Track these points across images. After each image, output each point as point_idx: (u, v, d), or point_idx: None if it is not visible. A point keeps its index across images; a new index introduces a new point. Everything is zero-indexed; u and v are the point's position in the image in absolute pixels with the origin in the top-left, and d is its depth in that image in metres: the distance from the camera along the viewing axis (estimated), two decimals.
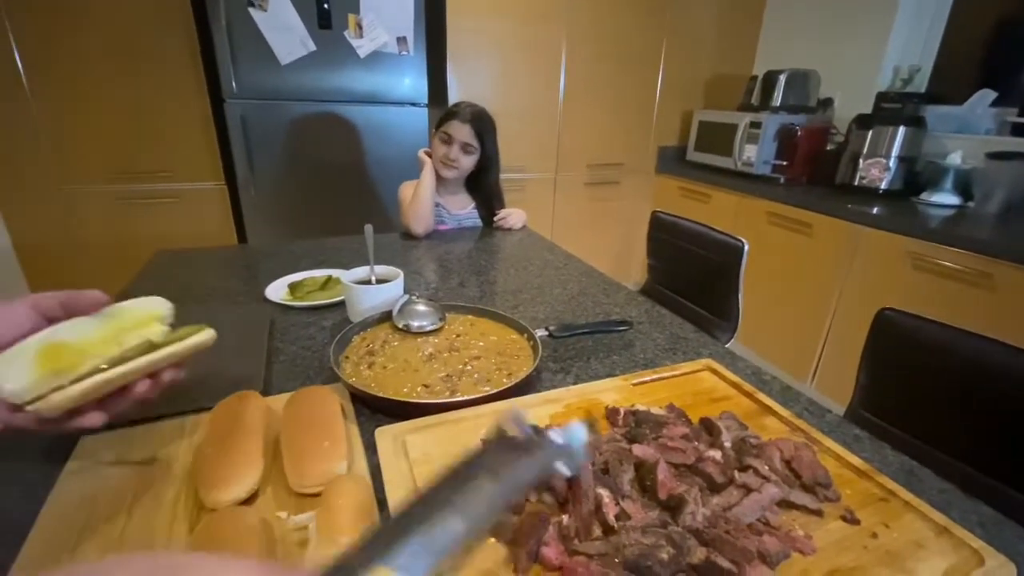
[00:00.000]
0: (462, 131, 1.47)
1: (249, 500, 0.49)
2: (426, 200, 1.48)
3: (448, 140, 1.49)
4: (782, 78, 2.42)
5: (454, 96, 2.36)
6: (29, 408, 0.41)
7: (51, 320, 0.47)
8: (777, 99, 2.44)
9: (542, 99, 2.56)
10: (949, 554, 0.44)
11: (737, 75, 2.87)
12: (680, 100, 2.85)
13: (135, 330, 0.48)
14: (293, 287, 1.01)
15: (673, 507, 0.45)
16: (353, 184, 2.23)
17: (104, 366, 0.44)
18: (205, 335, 0.53)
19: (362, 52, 2.05)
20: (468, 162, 1.53)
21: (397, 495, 0.48)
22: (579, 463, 0.40)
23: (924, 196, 2.05)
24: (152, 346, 0.48)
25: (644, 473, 0.49)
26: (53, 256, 2.05)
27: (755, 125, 2.38)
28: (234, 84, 1.95)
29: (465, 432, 0.58)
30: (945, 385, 0.87)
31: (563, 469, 0.37)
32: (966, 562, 0.43)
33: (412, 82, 2.17)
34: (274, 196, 2.15)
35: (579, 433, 0.39)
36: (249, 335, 0.83)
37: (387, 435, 0.56)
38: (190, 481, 0.51)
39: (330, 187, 2.21)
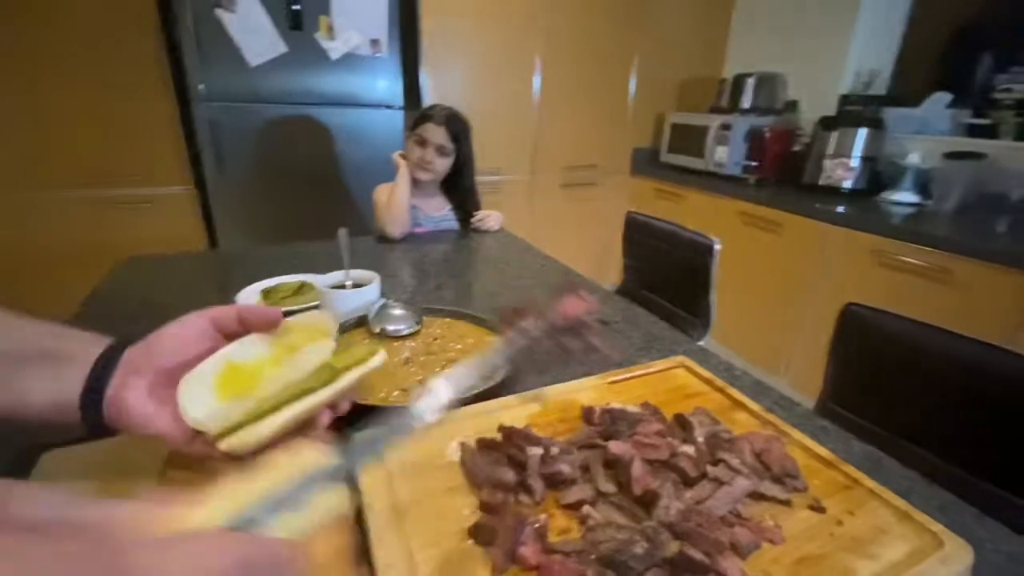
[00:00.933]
0: (437, 133, 1.47)
1: None
2: (402, 203, 1.48)
3: (423, 142, 1.48)
4: (750, 81, 2.49)
5: (429, 98, 2.36)
6: (221, 446, 0.38)
7: (229, 336, 0.44)
8: (746, 101, 2.50)
9: (517, 101, 2.57)
10: (911, 538, 0.46)
11: (708, 78, 2.93)
12: (653, 102, 2.89)
13: (305, 348, 0.44)
14: (266, 293, 0.99)
15: (648, 502, 0.46)
16: (327, 188, 2.21)
17: (293, 401, 0.40)
18: (379, 358, 0.47)
19: (334, 54, 2.03)
20: (443, 164, 1.53)
21: (374, 502, 0.47)
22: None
23: (886, 195, 2.13)
24: (333, 372, 0.43)
25: (619, 470, 0.50)
26: (15, 264, 1.97)
27: (725, 127, 2.44)
28: (202, 86, 1.90)
29: (442, 436, 0.58)
30: (908, 377, 0.91)
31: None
32: (926, 545, 0.45)
33: (386, 84, 2.16)
34: (246, 200, 2.11)
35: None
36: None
37: (363, 439, 0.55)
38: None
39: (304, 191, 2.18)
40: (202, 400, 0.39)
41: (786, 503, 0.49)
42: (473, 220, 1.62)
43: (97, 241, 2.03)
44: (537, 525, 0.44)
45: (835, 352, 1.06)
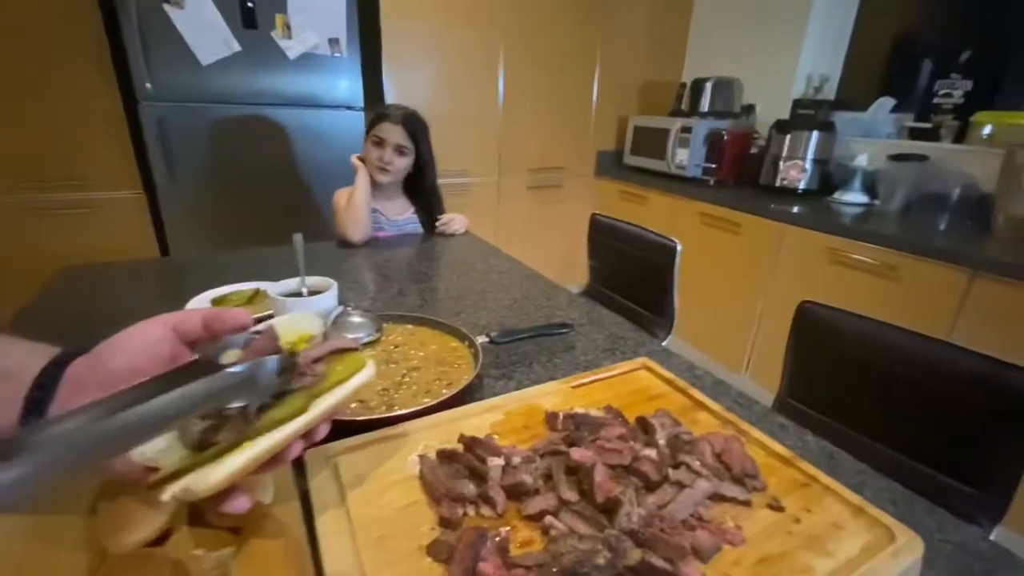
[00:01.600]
0: (394, 132, 1.44)
1: (161, 540, 0.45)
2: (362, 206, 1.44)
3: (380, 143, 1.45)
4: (708, 85, 2.55)
5: (391, 99, 2.32)
6: (164, 496, 0.32)
7: (192, 344, 0.40)
8: (705, 105, 2.56)
9: (482, 103, 2.56)
10: (864, 533, 0.47)
11: (668, 81, 2.99)
12: (616, 105, 2.93)
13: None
14: (217, 302, 0.95)
15: (610, 509, 0.45)
16: (286, 191, 2.14)
17: (260, 434, 0.36)
18: (367, 372, 0.43)
19: (291, 53, 1.97)
20: (402, 164, 1.50)
21: (327, 524, 0.45)
22: (263, 396, 0.37)
23: (837, 195, 2.22)
24: (307, 398, 0.39)
25: (582, 476, 0.49)
26: None
27: (686, 130, 2.49)
28: (148, 85, 1.81)
29: (402, 449, 0.56)
30: (860, 372, 0.94)
31: (240, 402, 0.35)
32: (879, 539, 0.46)
33: (347, 85, 2.11)
34: (199, 205, 2.02)
35: (269, 365, 0.37)
36: None
37: (318, 457, 0.53)
38: (93, 532, 0.46)
39: (261, 194, 2.11)
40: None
41: (746, 503, 0.49)
42: (438, 224, 1.60)
43: (33, 250, 1.90)
44: (498, 539, 0.43)
45: (791, 348, 1.09)
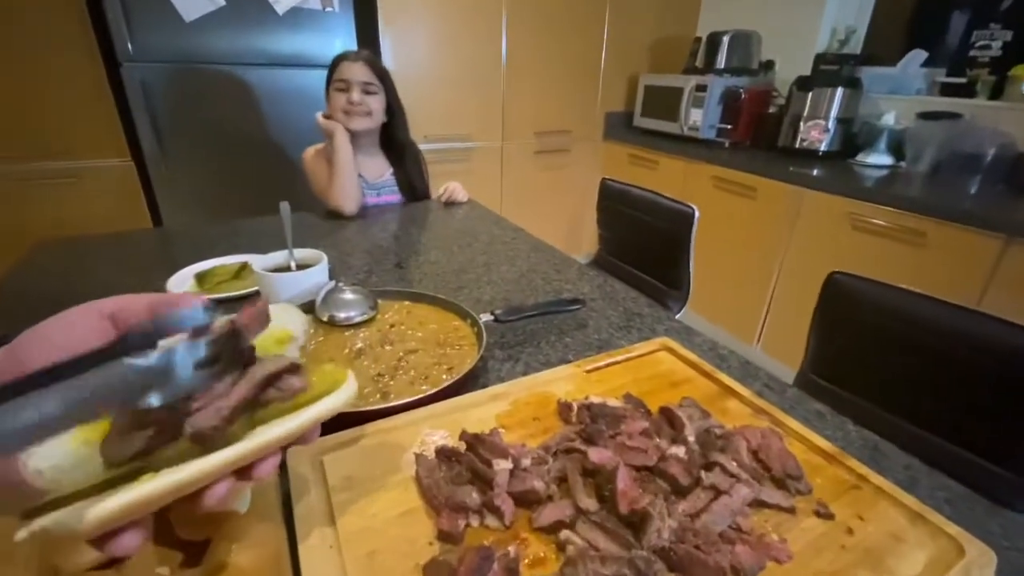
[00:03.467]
0: (356, 70, 1.30)
1: (122, 558, 0.39)
2: (349, 171, 1.32)
3: (345, 86, 1.31)
4: (725, 39, 2.39)
5: (389, 59, 2.19)
6: (20, 533, 0.25)
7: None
8: (721, 61, 2.41)
9: (484, 63, 2.42)
10: (927, 545, 0.41)
11: (681, 36, 2.82)
12: (625, 64, 2.77)
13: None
14: (201, 277, 0.88)
15: (636, 523, 0.39)
16: (280, 157, 2.04)
17: (171, 463, 0.27)
18: (347, 390, 0.34)
19: (280, 8, 1.84)
20: (376, 104, 1.35)
21: (310, 537, 0.39)
22: (179, 392, 0.28)
23: (860, 157, 2.10)
24: (252, 421, 0.30)
25: (601, 481, 0.43)
26: None
27: (700, 88, 2.35)
28: (130, 45, 1.70)
29: (397, 445, 0.50)
30: (895, 348, 0.87)
31: (152, 401, 0.27)
32: (946, 553, 0.40)
33: (340, 43, 1.98)
34: (190, 173, 1.93)
35: (179, 355, 0.28)
36: None
37: (301, 455, 0.47)
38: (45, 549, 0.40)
39: (254, 161, 2.01)
40: (55, 443, 0.25)
41: (790, 510, 0.43)
42: (441, 196, 1.50)
43: (16, 222, 1.82)
44: (507, 557, 0.37)
45: (818, 322, 1.01)
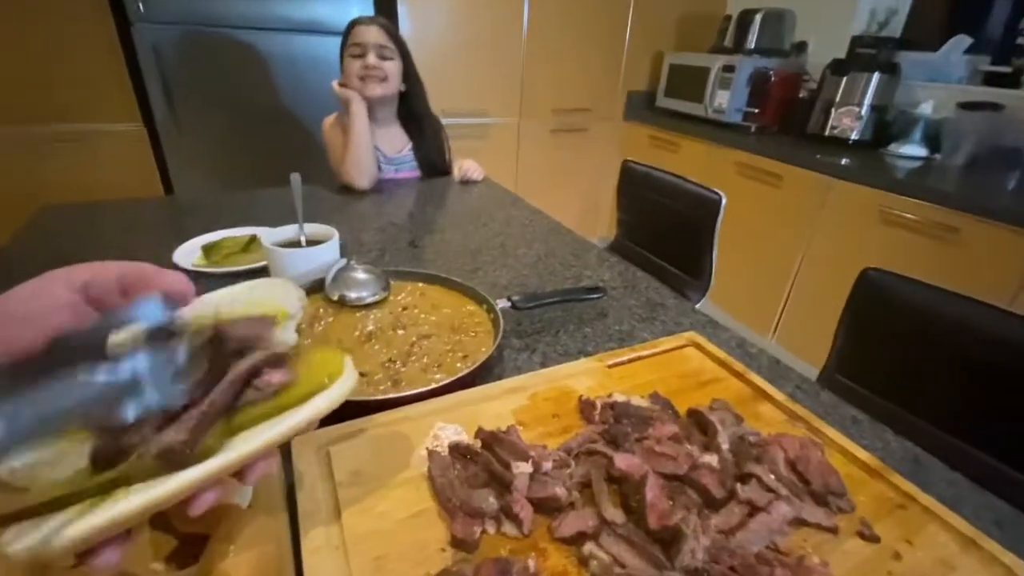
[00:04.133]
0: (371, 33, 1.24)
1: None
2: (364, 142, 1.27)
3: (360, 50, 1.25)
4: (757, 18, 2.28)
5: (406, 27, 2.11)
6: (24, 542, 0.22)
7: (103, 310, 0.28)
8: (752, 41, 2.31)
9: (504, 35, 2.33)
10: (981, 573, 0.38)
11: (710, 14, 2.70)
12: (650, 41, 2.67)
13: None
14: (208, 249, 0.85)
15: (667, 540, 0.36)
16: (293, 126, 2.00)
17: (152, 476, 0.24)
18: (345, 383, 0.30)
19: None
20: (393, 68, 1.29)
21: (315, 538, 0.37)
22: (154, 408, 0.25)
23: (893, 147, 2.01)
24: (229, 428, 0.27)
25: (628, 490, 0.40)
26: None
27: (728, 69, 2.25)
28: (141, 5, 1.65)
29: (409, 438, 0.47)
30: (934, 352, 0.82)
31: (126, 415, 0.24)
32: None
33: (358, 9, 1.92)
34: (202, 140, 1.89)
35: (139, 364, 0.24)
36: None
37: (308, 445, 0.44)
38: None
39: (267, 129, 1.97)
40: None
41: (831, 530, 0.40)
42: (456, 176, 1.46)
43: (19, 186, 1.79)
44: (526, 571, 0.34)
45: (848, 321, 0.97)
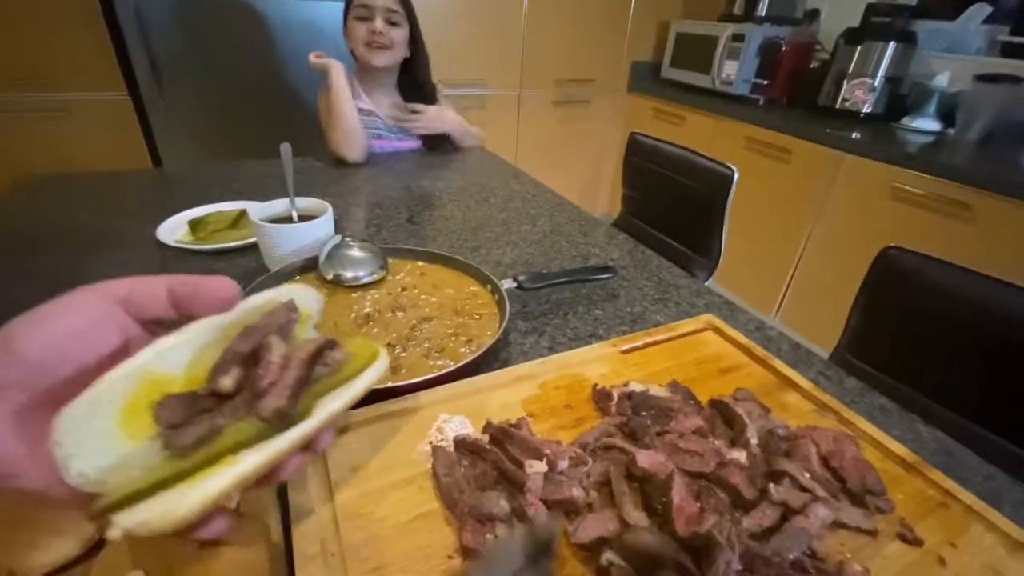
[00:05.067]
0: None
1: (90, 554, 0.34)
2: (348, 114, 1.19)
3: (367, 13, 1.18)
4: None
5: None
6: (113, 532, 0.23)
7: (148, 325, 0.28)
8: (762, 8, 2.21)
9: (505, 1, 2.23)
10: None
11: None
12: (657, 8, 2.56)
13: None
14: (195, 225, 0.80)
15: (697, 548, 0.32)
16: (285, 96, 1.91)
17: (245, 445, 0.26)
18: (381, 365, 0.33)
19: None
20: (400, 36, 1.22)
21: (307, 545, 0.33)
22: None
23: (905, 121, 1.94)
24: (307, 399, 0.29)
25: (652, 491, 0.37)
26: None
27: (737, 38, 2.17)
28: None
29: (410, 430, 0.43)
30: (958, 337, 0.79)
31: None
32: None
33: None
34: (189, 110, 1.81)
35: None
36: None
37: None
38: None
39: (259, 99, 1.89)
40: (98, 442, 0.24)
41: (871, 533, 0.37)
42: (418, 122, 1.32)
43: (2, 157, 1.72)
44: None
45: (864, 301, 0.93)
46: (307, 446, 0.30)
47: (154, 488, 0.24)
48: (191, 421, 0.26)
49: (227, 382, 0.27)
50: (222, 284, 0.28)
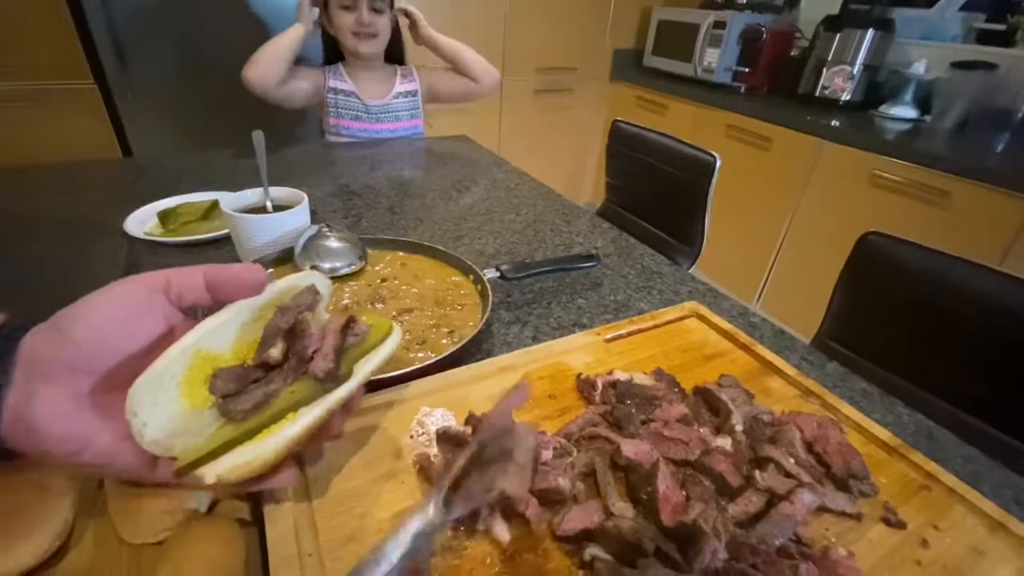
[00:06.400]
0: None
1: (53, 560, 0.32)
2: (282, 49, 1.19)
3: (352, 3, 1.16)
4: None
5: None
6: (208, 479, 0.27)
7: (187, 309, 0.31)
8: None
9: None
10: (1011, 559, 0.35)
11: None
12: None
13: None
14: (164, 216, 0.77)
15: (683, 537, 0.32)
16: None
17: (300, 404, 0.30)
18: (394, 339, 0.36)
19: None
20: (384, 24, 1.22)
21: (282, 547, 0.32)
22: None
23: (883, 109, 1.97)
24: (348, 362, 0.33)
25: (636, 480, 0.36)
26: None
27: (719, 25, 2.16)
28: None
29: (391, 424, 0.42)
30: (937, 320, 0.80)
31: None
32: None
33: None
34: (160, 99, 1.75)
35: None
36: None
37: None
38: None
39: (230, 87, 1.82)
40: (164, 412, 0.28)
41: (855, 517, 0.37)
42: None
43: None
44: None
45: (845, 286, 0.94)
46: (345, 407, 0.33)
47: (225, 447, 0.28)
48: (245, 390, 0.30)
49: (275, 352, 0.31)
50: (253, 269, 0.32)
